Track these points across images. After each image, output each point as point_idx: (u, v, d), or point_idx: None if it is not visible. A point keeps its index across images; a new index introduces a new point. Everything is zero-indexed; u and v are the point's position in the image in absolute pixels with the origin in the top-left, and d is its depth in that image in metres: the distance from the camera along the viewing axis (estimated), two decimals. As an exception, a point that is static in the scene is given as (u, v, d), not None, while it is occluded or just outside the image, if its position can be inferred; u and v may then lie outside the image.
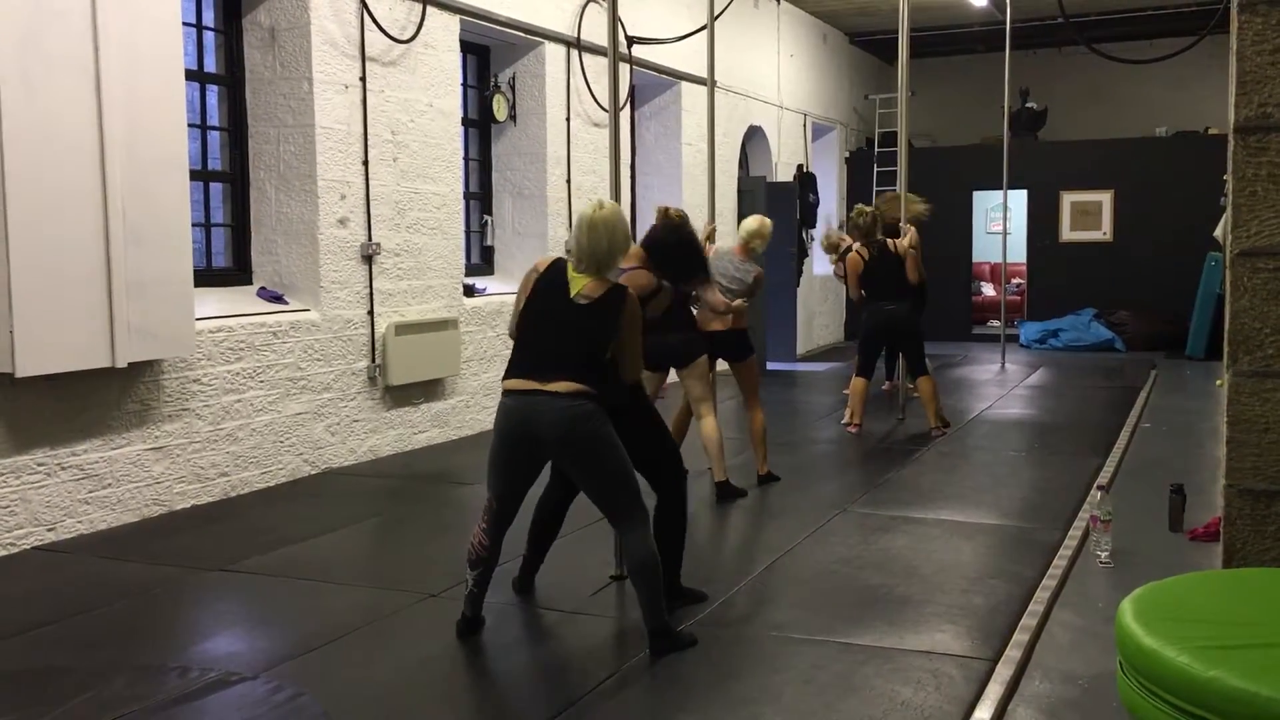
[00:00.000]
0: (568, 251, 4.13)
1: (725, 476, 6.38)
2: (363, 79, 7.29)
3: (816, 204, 14.12)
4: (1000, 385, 10.83)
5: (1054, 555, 5.12)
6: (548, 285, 4.06)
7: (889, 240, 8.34)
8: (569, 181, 9.48)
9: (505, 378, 4.09)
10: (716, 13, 7.36)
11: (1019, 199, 15.23)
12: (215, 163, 7.09)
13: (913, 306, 8.31)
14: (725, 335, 6.49)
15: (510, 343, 4.20)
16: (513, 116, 9.25)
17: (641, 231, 5.26)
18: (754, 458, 6.75)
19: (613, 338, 4.02)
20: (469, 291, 8.53)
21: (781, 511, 6.12)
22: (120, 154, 5.53)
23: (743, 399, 6.79)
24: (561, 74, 9.37)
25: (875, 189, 15.39)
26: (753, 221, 6.85)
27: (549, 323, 4.02)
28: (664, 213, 5.23)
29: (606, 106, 5.16)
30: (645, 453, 4.37)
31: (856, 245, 8.43)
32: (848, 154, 16.13)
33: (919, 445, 7.89)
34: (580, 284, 4.01)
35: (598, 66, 9.64)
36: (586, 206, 4.08)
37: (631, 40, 9.87)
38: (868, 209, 8.49)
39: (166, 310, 5.82)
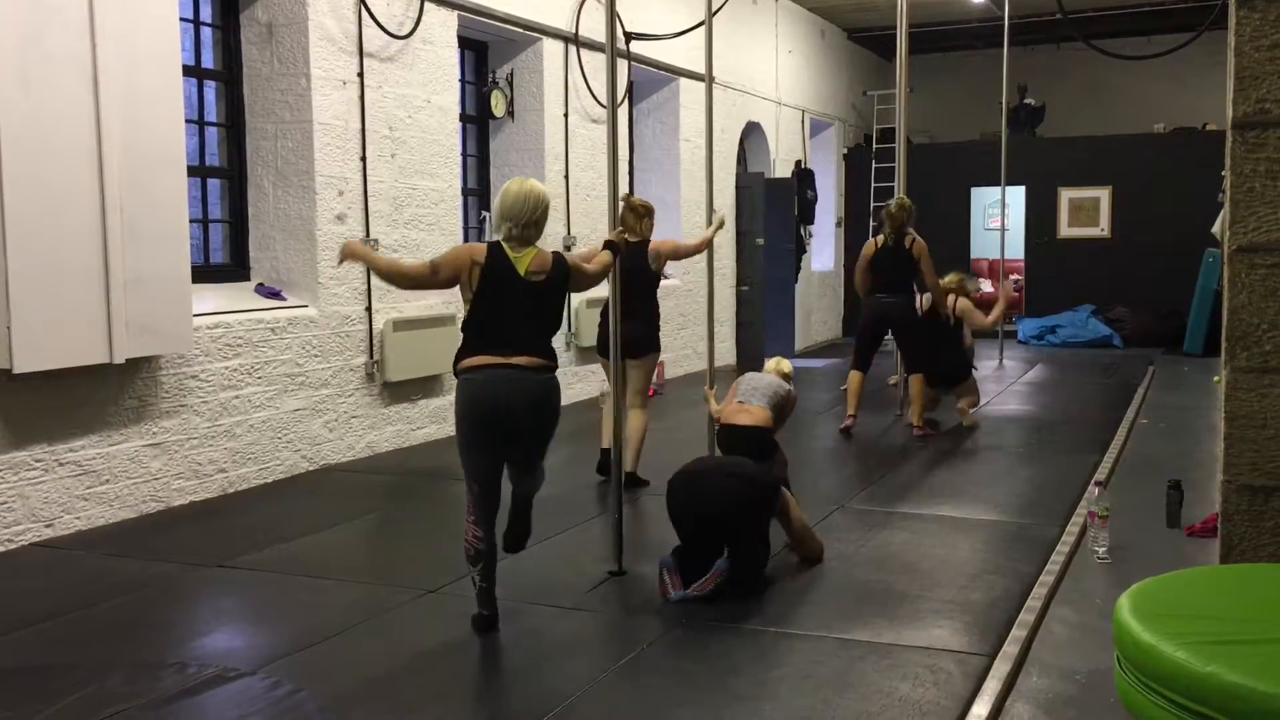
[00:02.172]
0: (501, 238, 4.25)
1: (635, 468, 6.51)
2: (360, 75, 7.28)
3: (814, 200, 14.12)
4: (998, 381, 10.83)
5: (1052, 551, 5.12)
6: (494, 271, 4.17)
7: (911, 236, 8.13)
8: (567, 177, 9.48)
9: (463, 359, 4.18)
10: (714, 9, 7.35)
11: (1017, 195, 15.23)
12: (213, 159, 7.09)
13: (911, 303, 8.25)
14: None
15: None
16: (511, 112, 9.24)
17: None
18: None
19: (563, 305, 4.33)
20: (467, 288, 8.52)
21: (779, 507, 6.12)
22: (118, 150, 5.53)
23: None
24: (559, 70, 9.37)
25: (873, 185, 15.40)
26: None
27: (506, 305, 4.16)
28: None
29: (605, 102, 5.16)
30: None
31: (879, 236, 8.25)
32: (846, 150, 16.13)
33: (917, 441, 7.89)
34: (525, 261, 4.17)
35: (596, 62, 9.64)
36: (510, 182, 4.27)
37: (630, 36, 9.86)
38: (907, 201, 8.26)
39: (164, 306, 5.82)
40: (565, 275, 4.24)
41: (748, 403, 6.66)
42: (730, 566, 4.52)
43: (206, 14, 6.98)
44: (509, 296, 4.15)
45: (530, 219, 4.18)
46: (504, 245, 4.18)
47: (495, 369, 4.10)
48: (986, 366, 11.84)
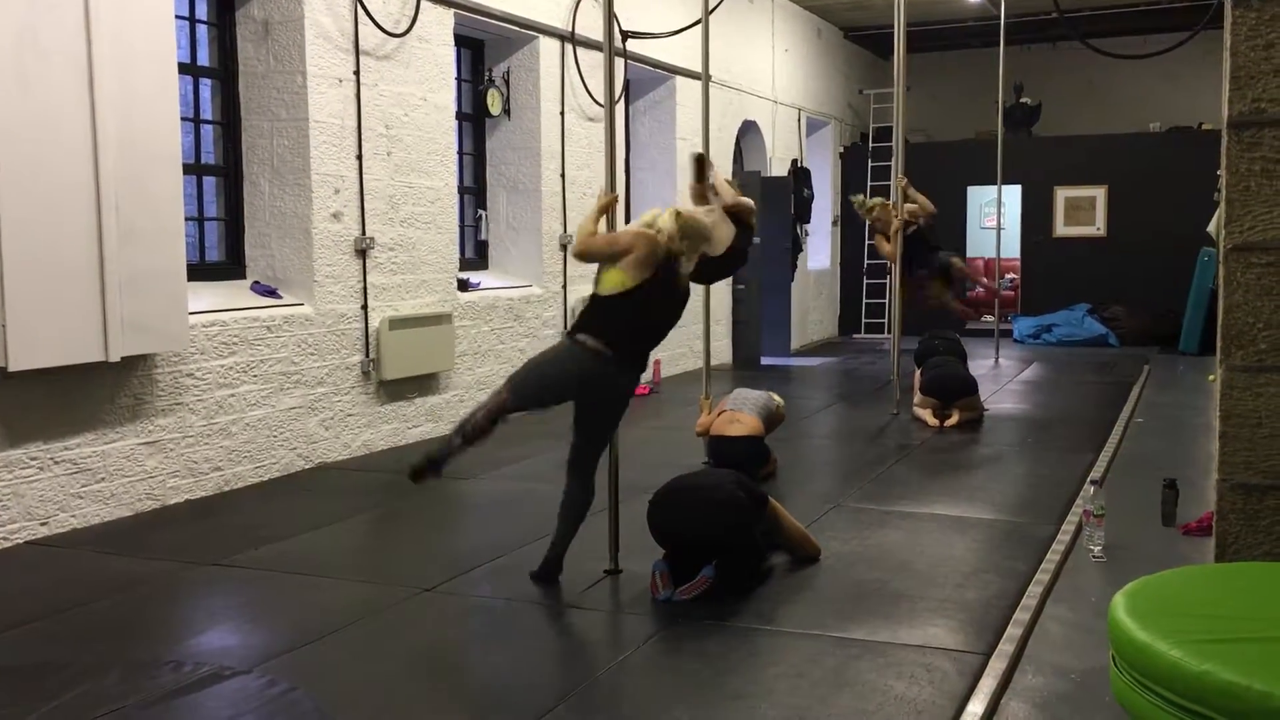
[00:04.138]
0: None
1: None
2: (356, 73, 7.28)
3: (811, 199, 14.11)
4: (994, 380, 10.84)
5: (1047, 550, 5.13)
6: None
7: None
8: (563, 176, 9.48)
9: None
10: (711, 7, 7.35)
11: (1013, 194, 15.24)
12: (209, 156, 7.08)
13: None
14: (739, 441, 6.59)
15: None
16: (507, 111, 9.24)
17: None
18: None
19: None
20: (463, 286, 8.53)
21: (775, 506, 6.12)
22: (113, 148, 5.52)
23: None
24: (556, 68, 9.36)
25: (869, 184, 15.41)
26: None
27: None
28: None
29: (601, 101, 5.17)
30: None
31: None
32: (842, 149, 16.13)
33: (912, 440, 7.91)
34: None
35: (592, 61, 9.63)
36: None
37: (626, 35, 9.85)
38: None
39: (160, 304, 5.81)
40: None
41: (739, 411, 6.70)
42: (717, 575, 4.52)
43: (202, 11, 6.97)
44: None
45: None
46: None
47: None
48: (983, 365, 11.86)
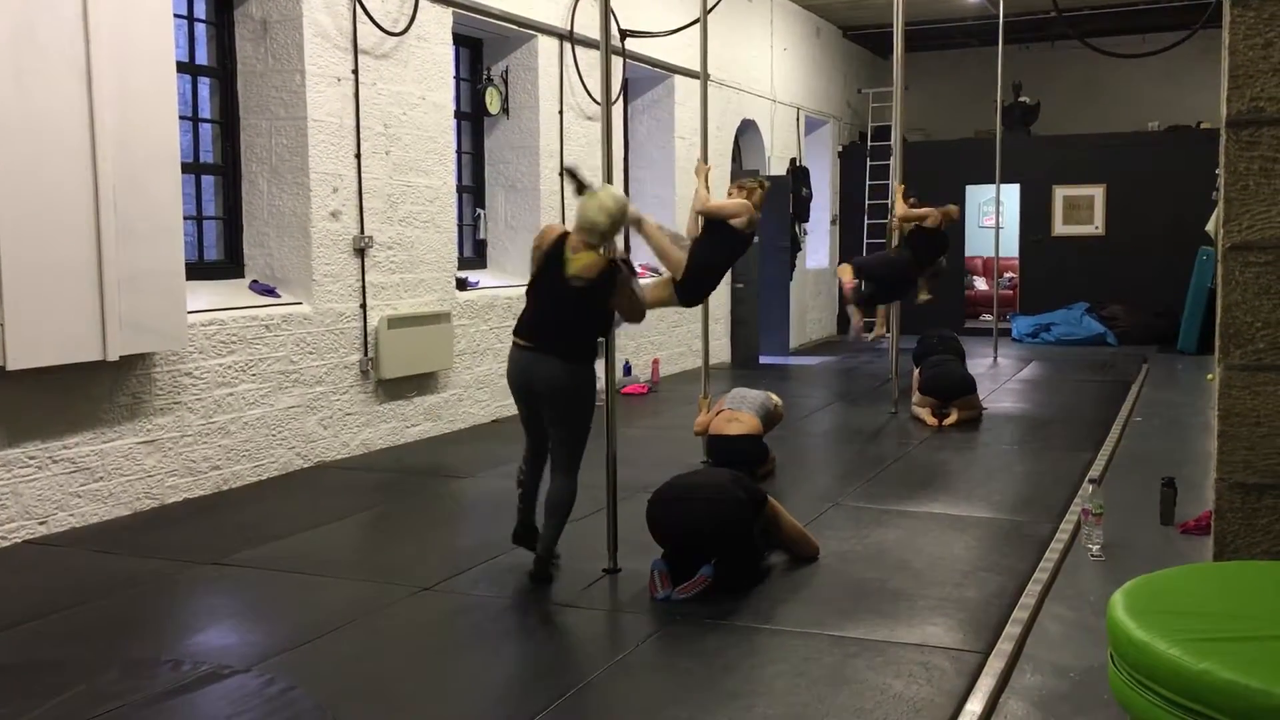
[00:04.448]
0: None
1: None
2: (355, 72, 7.27)
3: (810, 198, 14.10)
4: (992, 379, 10.84)
5: (1046, 548, 5.13)
6: None
7: None
8: (561, 175, 9.47)
9: None
10: (709, 6, 7.35)
11: (1011, 193, 15.24)
12: (207, 155, 7.07)
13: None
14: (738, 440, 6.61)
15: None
16: (505, 109, 9.24)
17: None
18: None
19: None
20: (461, 285, 8.52)
21: (774, 505, 6.12)
22: (112, 147, 5.51)
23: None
24: (554, 67, 9.36)
25: (868, 183, 15.40)
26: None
27: None
28: None
29: (599, 100, 5.17)
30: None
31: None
32: (841, 148, 16.13)
33: (911, 439, 7.91)
34: None
35: (590, 59, 9.63)
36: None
37: (624, 33, 9.85)
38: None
39: (158, 303, 5.81)
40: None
41: (738, 410, 6.71)
42: (716, 573, 4.52)
43: (201, 10, 6.97)
44: None
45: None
46: None
47: None
48: (981, 364, 11.87)
